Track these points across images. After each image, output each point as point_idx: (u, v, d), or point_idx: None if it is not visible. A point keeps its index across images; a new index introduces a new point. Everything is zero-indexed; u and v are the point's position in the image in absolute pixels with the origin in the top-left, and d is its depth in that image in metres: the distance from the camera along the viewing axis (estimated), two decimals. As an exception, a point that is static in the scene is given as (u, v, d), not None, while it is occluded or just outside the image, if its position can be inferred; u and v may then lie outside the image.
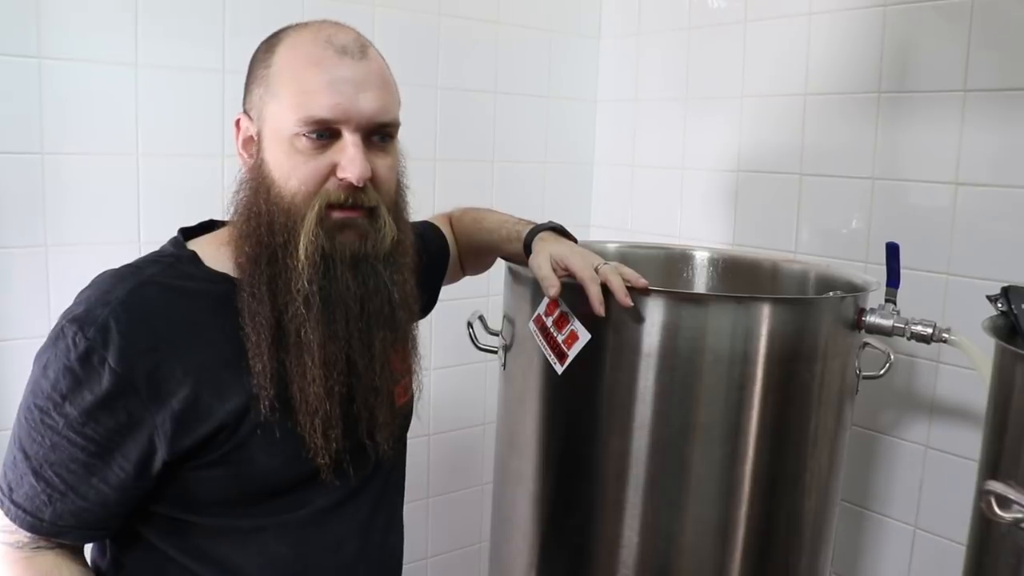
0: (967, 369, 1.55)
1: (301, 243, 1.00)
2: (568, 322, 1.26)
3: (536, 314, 1.32)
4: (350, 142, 1.00)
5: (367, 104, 1.01)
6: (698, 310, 1.24)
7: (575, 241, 1.34)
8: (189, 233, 1.12)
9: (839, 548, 1.73)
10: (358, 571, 1.17)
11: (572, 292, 1.22)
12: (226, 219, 1.12)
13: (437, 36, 2.06)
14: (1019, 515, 0.93)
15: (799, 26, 1.83)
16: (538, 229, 1.32)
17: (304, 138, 0.99)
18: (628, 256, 1.77)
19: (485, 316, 1.51)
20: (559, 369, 1.29)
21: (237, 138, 1.07)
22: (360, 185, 1.00)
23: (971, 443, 1.26)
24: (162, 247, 1.10)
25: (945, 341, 1.37)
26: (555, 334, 1.28)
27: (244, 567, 1.07)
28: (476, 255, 1.48)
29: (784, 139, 1.88)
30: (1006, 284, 1.21)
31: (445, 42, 2.07)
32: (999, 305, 1.19)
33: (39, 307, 1.61)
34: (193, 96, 1.73)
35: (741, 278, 1.71)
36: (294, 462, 1.05)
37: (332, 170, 1.00)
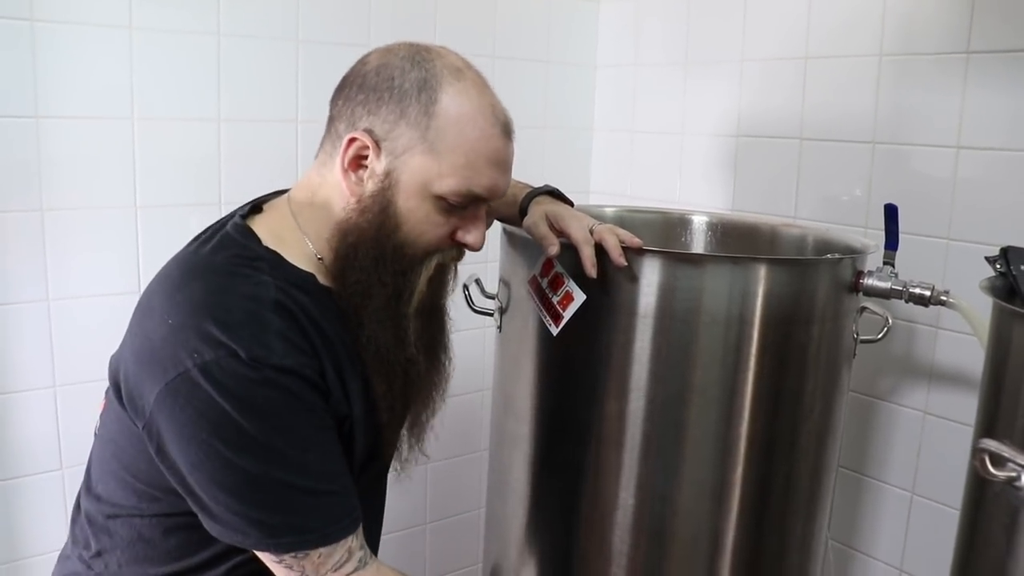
0: (966, 335, 1.54)
1: (415, 298, 1.09)
2: (563, 283, 1.26)
3: (531, 275, 1.31)
4: (482, 214, 1.09)
5: (507, 183, 1.09)
6: (694, 271, 1.23)
7: (571, 205, 1.33)
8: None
9: (836, 514, 1.73)
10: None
11: (568, 253, 1.22)
12: (263, 196, 1.17)
13: (434, 0, 2.04)
14: (1013, 473, 0.92)
15: (800, -12, 1.81)
16: (535, 193, 1.32)
17: (447, 202, 1.03)
18: (626, 220, 1.76)
19: (482, 280, 1.51)
20: (554, 331, 1.28)
21: (345, 151, 1.03)
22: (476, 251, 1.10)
23: (970, 409, 1.25)
24: (230, 238, 1.07)
25: (943, 303, 1.36)
26: (550, 295, 1.28)
27: None
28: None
29: (784, 103, 1.87)
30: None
31: (442, 6, 2.05)
32: (998, 266, 1.18)
33: (35, 272, 1.61)
34: (189, 59, 1.72)
35: (739, 242, 1.70)
36: (369, 453, 1.15)
37: (454, 232, 1.07)
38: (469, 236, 1.07)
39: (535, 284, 1.31)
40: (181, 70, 1.72)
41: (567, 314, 1.26)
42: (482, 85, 1.05)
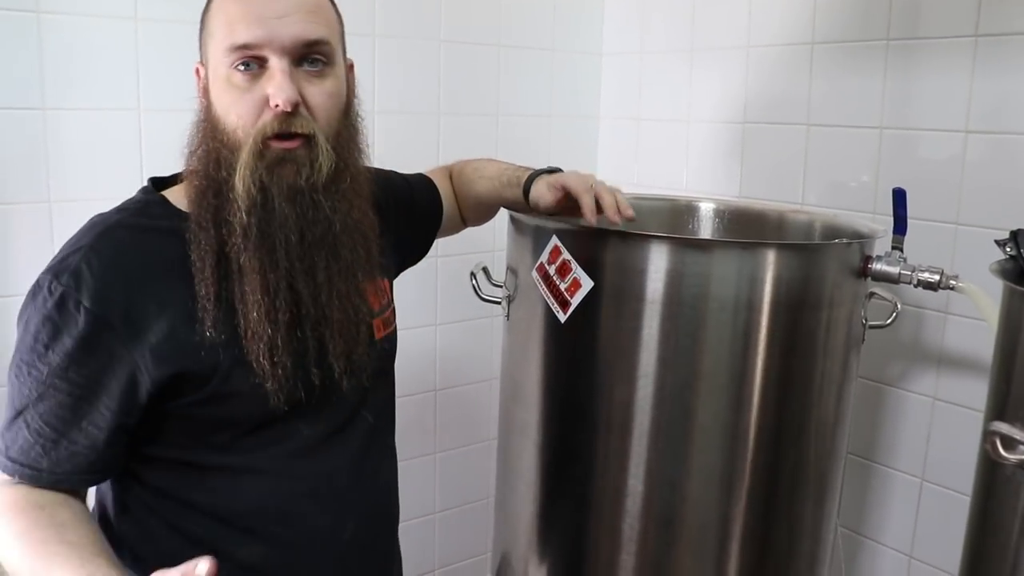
0: (976, 320, 1.53)
1: (238, 176, 1.01)
2: (571, 270, 1.25)
3: (539, 262, 1.31)
4: (276, 68, 1.01)
5: (289, 27, 1.01)
6: (702, 256, 1.23)
7: None
8: (160, 183, 1.14)
9: (846, 501, 1.73)
10: (351, 503, 1.18)
11: (574, 239, 1.21)
12: None
13: (440, -11, 2.04)
14: (1024, 456, 0.92)
15: (807, -27, 1.80)
16: (537, 173, 1.32)
17: (236, 72, 1.02)
18: (633, 208, 1.75)
19: (489, 268, 1.50)
20: (562, 318, 1.28)
21: (198, 87, 1.09)
22: (290, 110, 1.01)
23: (979, 395, 1.25)
24: (133, 195, 1.12)
25: (952, 288, 1.36)
26: (558, 282, 1.28)
27: (236, 504, 1.10)
28: (477, 204, 1.47)
29: (790, 90, 1.86)
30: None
31: (448, -6, 2.05)
32: (1008, 249, 1.18)
33: (43, 263, 1.58)
34: (193, 50, 1.70)
35: (747, 228, 1.69)
36: (259, 392, 1.06)
37: (266, 101, 1.01)
38: (274, 96, 1.00)
39: (542, 271, 1.31)
40: (187, 61, 1.70)
41: (575, 301, 1.26)
42: None
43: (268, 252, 1.03)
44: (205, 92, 1.07)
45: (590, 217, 1.20)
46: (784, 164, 1.88)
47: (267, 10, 1.01)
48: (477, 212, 1.49)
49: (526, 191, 1.30)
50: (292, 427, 1.11)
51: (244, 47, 1.00)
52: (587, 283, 1.24)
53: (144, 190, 1.12)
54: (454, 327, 2.19)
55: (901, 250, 1.40)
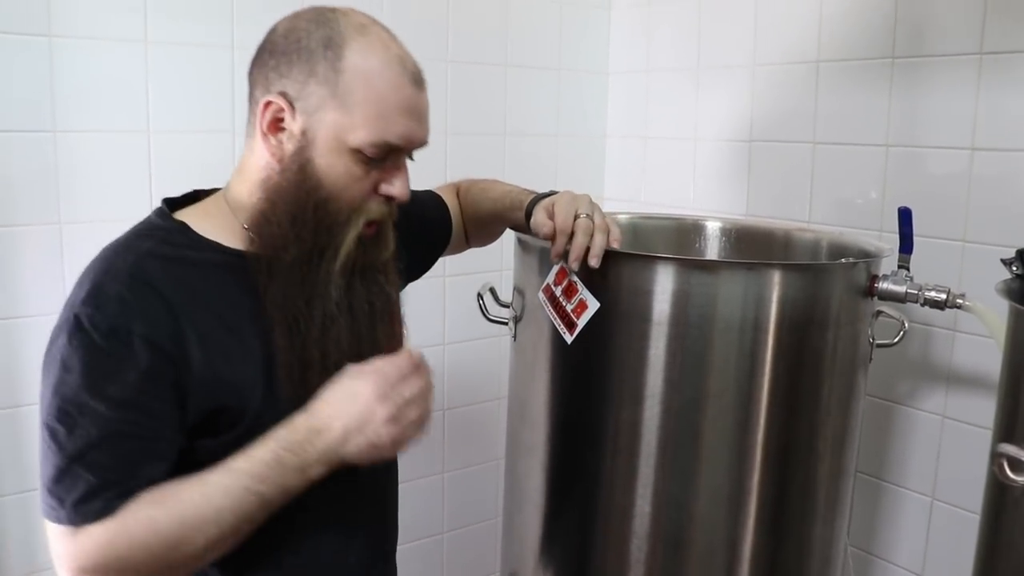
0: (984, 337, 1.53)
1: (341, 254, 1.05)
2: (577, 291, 1.26)
3: (545, 284, 1.31)
4: (402, 164, 1.07)
5: (424, 132, 1.08)
6: (708, 277, 1.23)
7: None
8: (173, 203, 1.13)
9: (855, 520, 1.72)
10: (358, 528, 1.19)
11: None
12: (213, 188, 1.16)
13: (446, 9, 2.05)
14: (1033, 478, 0.92)
15: (812, -8, 1.81)
16: (539, 197, 1.32)
17: (364, 155, 1.03)
18: (639, 227, 1.76)
19: (496, 289, 1.51)
20: (569, 339, 1.28)
21: (262, 116, 1.04)
22: (403, 203, 1.08)
23: (989, 413, 1.25)
24: (148, 219, 1.10)
25: (959, 307, 1.35)
26: (564, 304, 1.28)
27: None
28: (481, 225, 1.47)
29: (797, 107, 1.86)
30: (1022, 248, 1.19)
31: (454, 15, 2.06)
32: (1014, 268, 1.17)
33: (54, 284, 1.62)
34: (203, 72, 1.73)
35: (753, 247, 1.69)
36: None
37: (376, 186, 1.06)
38: (393, 188, 1.06)
39: (549, 293, 1.31)
40: (196, 83, 1.73)
41: (581, 322, 1.26)
42: (388, 39, 1.06)
43: (352, 321, 1.08)
44: (300, 144, 1.03)
45: (553, 258, 1.21)
46: (790, 182, 1.88)
47: (417, 112, 1.06)
48: (480, 233, 1.50)
49: (528, 215, 1.31)
50: None
51: (392, 146, 1.04)
52: (593, 304, 1.24)
53: (160, 214, 1.10)
54: (462, 346, 2.19)
55: (908, 269, 1.40)
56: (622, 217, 1.76)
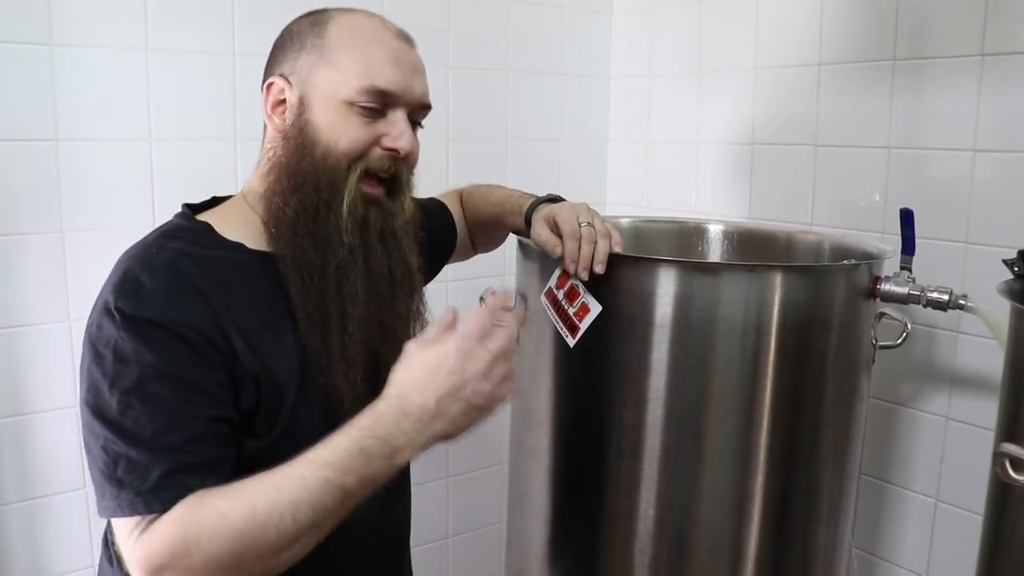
0: (987, 339, 1.52)
1: (344, 201, 1.05)
2: (579, 295, 1.26)
3: (547, 287, 1.32)
4: (401, 116, 1.08)
5: (418, 86, 1.10)
6: (710, 280, 1.23)
7: None
8: (193, 209, 1.14)
9: (860, 522, 1.72)
10: (375, 533, 1.19)
11: (582, 264, 1.21)
12: (230, 195, 1.16)
13: (447, 14, 2.05)
14: (1035, 478, 0.91)
15: (812, -5, 1.81)
16: (538, 202, 1.33)
17: (358, 107, 1.05)
18: (641, 231, 1.76)
19: (498, 292, 1.51)
20: (571, 342, 1.28)
21: (266, 101, 1.10)
22: (404, 156, 1.08)
23: (993, 414, 1.25)
24: (171, 222, 1.11)
25: (962, 308, 1.35)
26: (566, 307, 1.28)
27: None
28: (484, 230, 1.48)
29: (798, 110, 1.86)
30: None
31: (455, 20, 2.07)
32: (1016, 269, 1.17)
33: (56, 292, 1.63)
34: (204, 80, 1.74)
35: (755, 250, 1.69)
36: (329, 418, 1.04)
37: (377, 140, 1.07)
38: (396, 141, 1.07)
39: (551, 296, 1.31)
40: (197, 91, 1.73)
41: (584, 325, 1.26)
42: (371, 12, 1.12)
43: (369, 279, 1.07)
44: (299, 111, 1.07)
45: (569, 265, 1.21)
46: (793, 184, 1.88)
47: (406, 63, 1.09)
48: (485, 238, 1.50)
49: (528, 220, 1.31)
50: None
51: (383, 93, 1.05)
52: (596, 308, 1.25)
53: (184, 216, 1.11)
54: (465, 351, 2.19)
55: (910, 270, 1.40)
56: (624, 221, 1.76)
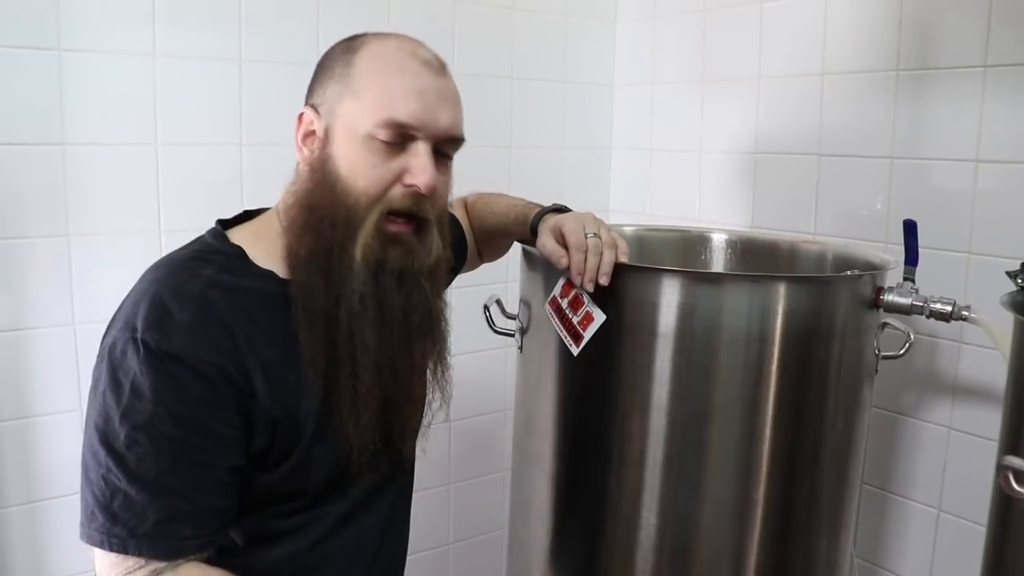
0: (990, 349, 1.53)
1: (359, 244, 1.01)
2: (583, 304, 1.26)
3: (551, 296, 1.32)
4: (422, 151, 1.02)
5: (444, 117, 1.04)
6: (714, 290, 1.23)
7: None
8: (225, 223, 1.12)
9: (862, 532, 1.72)
10: (377, 559, 1.19)
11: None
12: (261, 208, 1.15)
13: (452, 22, 2.06)
14: (1038, 490, 0.92)
15: (816, 5, 1.81)
16: (543, 212, 1.33)
17: (378, 141, 1.00)
18: (644, 239, 1.77)
19: (503, 301, 1.51)
20: (575, 351, 1.29)
21: (297, 130, 1.07)
22: (426, 193, 1.02)
23: (995, 424, 1.25)
24: (202, 240, 1.09)
25: (965, 319, 1.36)
26: (570, 316, 1.28)
27: (271, 564, 1.08)
28: (489, 240, 1.48)
29: (802, 120, 1.87)
30: (1027, 261, 1.20)
31: (460, 28, 2.07)
32: (1019, 280, 1.18)
33: (62, 296, 1.63)
34: (210, 85, 1.74)
35: (759, 259, 1.70)
36: (338, 461, 1.06)
37: (399, 176, 1.02)
38: (416, 177, 1.01)
39: (555, 305, 1.31)
40: (204, 96, 1.74)
41: (587, 334, 1.26)
42: (406, 39, 1.07)
43: (380, 325, 1.03)
44: (310, 139, 1.05)
45: (575, 277, 1.20)
46: (796, 193, 1.89)
47: (430, 93, 1.03)
48: (490, 248, 1.51)
49: (533, 230, 1.31)
50: (344, 489, 1.11)
51: (402, 125, 1.00)
52: (599, 317, 1.25)
53: (216, 235, 1.08)
54: (469, 358, 2.20)
55: (913, 281, 1.40)
56: (628, 229, 1.76)
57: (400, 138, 1.01)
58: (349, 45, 1.06)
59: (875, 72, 1.71)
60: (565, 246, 1.22)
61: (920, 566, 1.71)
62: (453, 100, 1.07)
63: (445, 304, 1.15)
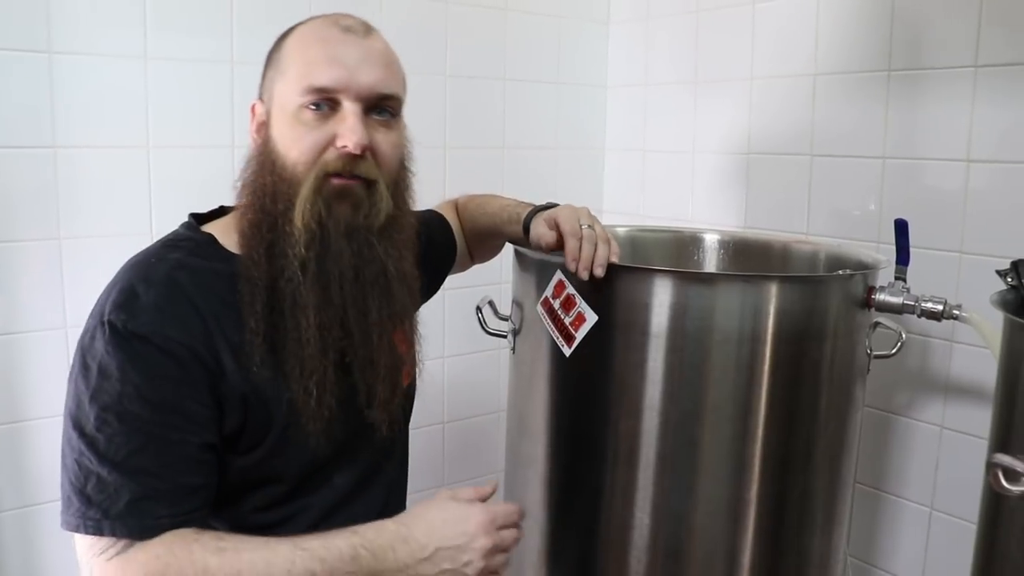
0: (982, 348, 1.53)
1: (297, 210, 1.01)
2: (575, 304, 1.26)
3: (543, 296, 1.32)
4: (349, 111, 1.02)
5: (367, 75, 1.03)
6: (706, 289, 1.23)
7: None
8: (200, 218, 1.14)
9: (855, 530, 1.72)
10: None
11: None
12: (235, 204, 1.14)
13: (444, 23, 2.06)
14: (1028, 488, 0.92)
15: (808, 6, 1.82)
16: (536, 210, 1.33)
17: (306, 110, 1.02)
18: (637, 240, 1.77)
19: (496, 302, 1.51)
20: (567, 351, 1.29)
21: (252, 124, 1.09)
22: (358, 153, 1.02)
23: (987, 423, 1.26)
24: (175, 232, 1.11)
25: (956, 318, 1.36)
26: (562, 316, 1.28)
27: None
28: (481, 240, 1.48)
29: (794, 120, 1.87)
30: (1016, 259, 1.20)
31: (452, 29, 2.07)
32: (1009, 279, 1.18)
33: (53, 299, 1.63)
34: (202, 88, 1.74)
35: (751, 259, 1.70)
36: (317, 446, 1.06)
37: (331, 141, 1.02)
38: (343, 138, 1.01)
39: (547, 305, 1.31)
40: (196, 98, 1.74)
41: (579, 335, 1.27)
42: (333, 14, 1.08)
43: (324, 287, 1.03)
44: (262, 128, 1.07)
45: (571, 263, 1.19)
46: (788, 194, 1.89)
47: (347, 56, 1.03)
48: (483, 249, 1.51)
49: (526, 228, 1.31)
50: (327, 477, 1.12)
51: (321, 89, 1.01)
52: (591, 317, 1.25)
53: (189, 226, 1.11)
54: (461, 359, 2.20)
55: (905, 280, 1.41)
56: (621, 230, 1.76)
57: (327, 104, 1.02)
58: (284, 33, 1.09)
59: (867, 73, 1.72)
60: (555, 227, 1.23)
61: (913, 564, 1.72)
62: (378, 59, 1.05)
63: (413, 271, 1.13)
